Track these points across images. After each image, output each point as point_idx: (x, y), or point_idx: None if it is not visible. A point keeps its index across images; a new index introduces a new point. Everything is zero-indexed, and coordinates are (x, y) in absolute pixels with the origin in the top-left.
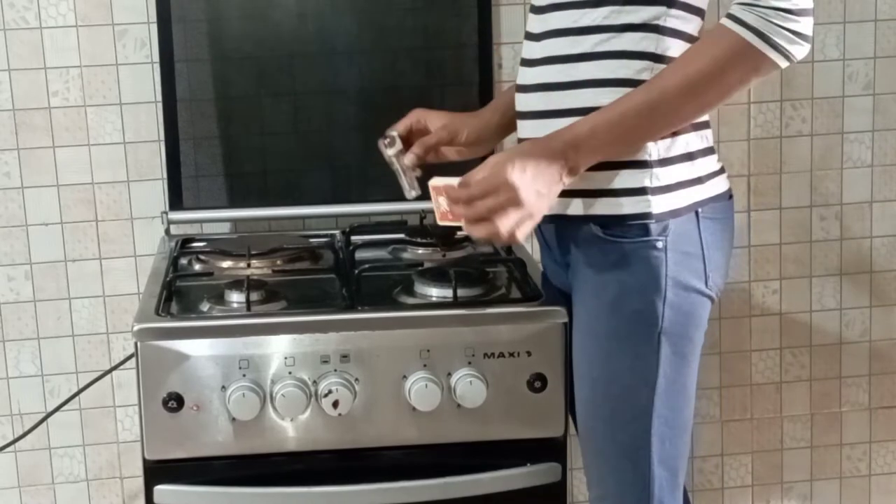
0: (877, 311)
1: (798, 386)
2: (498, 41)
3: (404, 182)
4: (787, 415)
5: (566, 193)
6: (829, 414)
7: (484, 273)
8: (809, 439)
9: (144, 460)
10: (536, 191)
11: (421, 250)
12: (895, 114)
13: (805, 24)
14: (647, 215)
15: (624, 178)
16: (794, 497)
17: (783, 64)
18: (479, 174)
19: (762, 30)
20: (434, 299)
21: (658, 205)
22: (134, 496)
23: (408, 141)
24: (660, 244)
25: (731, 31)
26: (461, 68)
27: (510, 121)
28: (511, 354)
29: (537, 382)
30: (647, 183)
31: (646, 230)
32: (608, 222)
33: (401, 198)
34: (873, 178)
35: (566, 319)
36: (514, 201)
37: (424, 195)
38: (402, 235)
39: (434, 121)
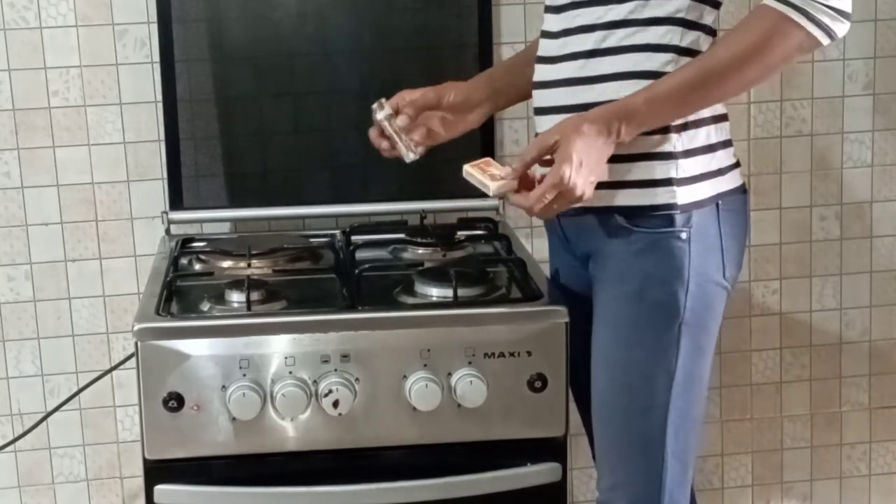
0: (877, 311)
1: (798, 386)
2: (498, 41)
3: (401, 146)
4: (787, 415)
5: None
6: (829, 414)
7: (484, 273)
8: (809, 439)
9: (144, 460)
10: (587, 180)
11: (421, 250)
12: (895, 114)
13: (845, 2)
14: (672, 206)
15: (649, 170)
16: (794, 497)
17: (825, 41)
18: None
19: (805, 7)
20: (434, 299)
21: (683, 196)
22: (134, 496)
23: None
24: (684, 235)
25: (774, 9)
26: (461, 68)
27: (501, 88)
28: (511, 354)
29: (537, 382)
30: (672, 174)
31: (670, 221)
32: (633, 213)
33: (401, 198)
34: (873, 178)
35: (567, 319)
36: (568, 194)
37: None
38: (402, 235)
39: (419, 91)
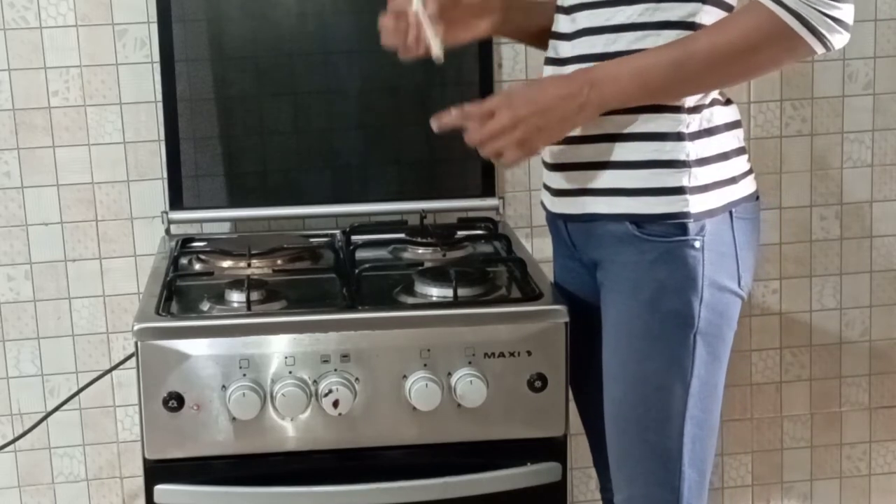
0: (877, 311)
1: (798, 386)
2: (498, 41)
3: (433, 39)
4: (787, 415)
5: (601, 193)
6: (829, 414)
7: (484, 273)
8: (809, 439)
9: (144, 460)
10: (537, 125)
11: (421, 250)
12: (895, 114)
13: (846, 12)
14: (685, 214)
15: (662, 178)
16: (794, 497)
17: (820, 50)
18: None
19: (801, 12)
20: (434, 299)
21: (696, 204)
22: (134, 496)
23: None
24: (697, 244)
25: (767, 9)
26: (461, 68)
27: (515, 5)
28: (511, 354)
29: (537, 382)
30: (685, 182)
31: (683, 229)
32: (644, 221)
33: (400, 198)
34: (873, 177)
35: (567, 319)
36: (514, 128)
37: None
38: (402, 235)
39: None
